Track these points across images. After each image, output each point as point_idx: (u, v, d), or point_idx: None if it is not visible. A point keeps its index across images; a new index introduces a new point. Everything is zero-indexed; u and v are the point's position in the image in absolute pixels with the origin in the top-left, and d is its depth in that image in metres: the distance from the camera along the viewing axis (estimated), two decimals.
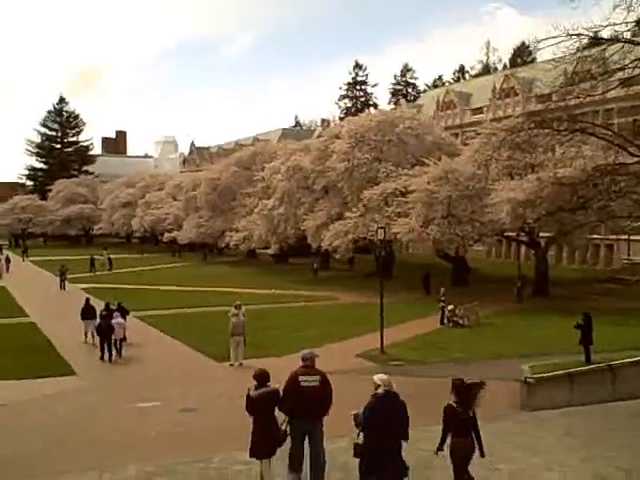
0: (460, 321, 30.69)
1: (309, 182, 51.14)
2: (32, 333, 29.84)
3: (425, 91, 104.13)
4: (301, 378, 10.63)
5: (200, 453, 13.39)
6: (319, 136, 68.17)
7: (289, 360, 23.43)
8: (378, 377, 9.77)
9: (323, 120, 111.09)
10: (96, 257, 60.64)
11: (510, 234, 44.45)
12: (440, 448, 10.27)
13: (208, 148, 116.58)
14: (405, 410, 9.74)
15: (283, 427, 10.68)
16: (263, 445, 10.54)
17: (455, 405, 10.22)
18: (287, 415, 10.73)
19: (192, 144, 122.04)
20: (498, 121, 47.50)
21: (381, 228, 26.69)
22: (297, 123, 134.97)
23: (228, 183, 68.90)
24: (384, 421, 9.47)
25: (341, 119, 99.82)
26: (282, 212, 52.28)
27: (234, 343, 23.13)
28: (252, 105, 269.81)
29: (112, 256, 63.09)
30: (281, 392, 10.74)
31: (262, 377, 10.71)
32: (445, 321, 30.98)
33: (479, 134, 44.33)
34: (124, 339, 25.95)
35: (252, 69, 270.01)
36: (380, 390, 9.57)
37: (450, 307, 31.11)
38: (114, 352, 24.91)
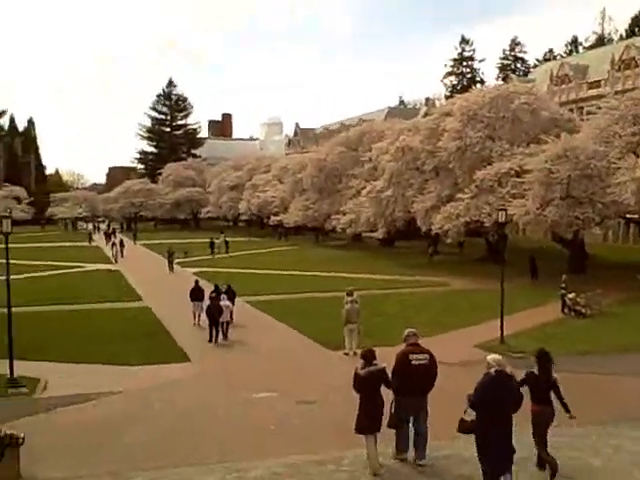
0: (582, 310, 28.97)
1: (418, 163, 49.73)
2: (146, 317, 30.16)
3: (536, 66, 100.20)
4: (411, 357, 11.17)
5: (323, 450, 12.79)
6: (426, 115, 66.57)
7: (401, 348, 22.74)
8: (491, 357, 10.03)
9: (427, 99, 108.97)
10: (215, 240, 61.89)
11: (633, 216, 41.87)
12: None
13: (313, 129, 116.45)
14: (517, 392, 9.92)
15: (392, 410, 11.06)
16: (369, 421, 10.93)
17: (537, 373, 10.93)
18: (395, 393, 11.15)
19: (297, 125, 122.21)
20: (620, 94, 44.77)
21: (501, 210, 25.35)
22: (401, 102, 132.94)
23: (334, 164, 68.08)
24: (495, 401, 9.55)
25: (447, 97, 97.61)
26: (390, 194, 51.05)
27: (348, 331, 22.45)
28: (355, 85, 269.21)
29: (217, 240, 63.56)
30: (388, 371, 11.18)
31: (369, 356, 11.20)
32: (566, 310, 29.34)
33: (599, 108, 41.87)
34: (231, 321, 26.08)
35: (355, 48, 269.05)
36: (492, 370, 9.74)
37: (571, 295, 29.40)
38: (220, 334, 25.08)
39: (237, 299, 29.64)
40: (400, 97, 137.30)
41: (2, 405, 14.75)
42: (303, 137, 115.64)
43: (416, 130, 52.92)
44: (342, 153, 68.26)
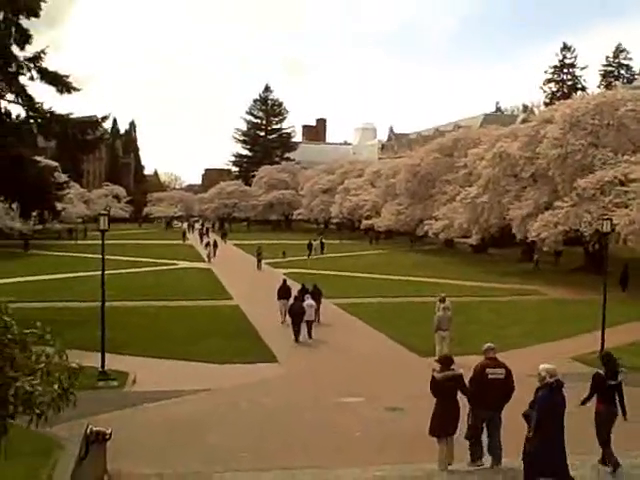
0: None
1: (516, 169, 48.41)
2: (236, 315, 30.32)
3: None
4: (488, 370, 11.28)
5: (411, 461, 12.30)
6: (524, 121, 64.75)
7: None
8: (543, 367, 10.25)
9: (525, 106, 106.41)
10: (312, 242, 62.88)
11: None
12: (583, 403, 11.45)
13: (407, 135, 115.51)
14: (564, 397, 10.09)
15: (468, 421, 11.32)
16: (443, 425, 11.16)
17: (603, 374, 11.36)
18: (470, 404, 11.34)
19: (391, 130, 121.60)
20: None
21: (606, 219, 24.22)
22: (498, 109, 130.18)
23: (428, 170, 67.23)
24: (557, 410, 9.81)
25: (546, 104, 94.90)
26: (486, 200, 49.89)
27: (439, 338, 21.79)
28: (451, 91, 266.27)
29: (314, 242, 63.94)
30: (465, 378, 11.45)
31: (446, 361, 11.62)
32: None
33: None
34: (315, 321, 26.20)
35: (453, 54, 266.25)
36: (551, 380, 9.95)
37: None
38: (303, 333, 25.21)
39: (327, 301, 29.44)
40: (497, 103, 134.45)
41: (92, 398, 14.86)
42: (397, 142, 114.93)
43: (514, 137, 51.58)
44: (436, 159, 67.40)
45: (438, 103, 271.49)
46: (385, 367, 21.30)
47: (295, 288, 29.44)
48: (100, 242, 20.04)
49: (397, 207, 71.84)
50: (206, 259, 56.34)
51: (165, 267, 51.38)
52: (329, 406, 16.75)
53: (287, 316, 26.83)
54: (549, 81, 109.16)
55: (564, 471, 10.01)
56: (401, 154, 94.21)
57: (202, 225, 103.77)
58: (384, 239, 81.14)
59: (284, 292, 28.76)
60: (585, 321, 26.68)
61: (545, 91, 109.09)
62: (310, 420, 15.66)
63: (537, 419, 9.82)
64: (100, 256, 20.23)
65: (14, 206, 33.37)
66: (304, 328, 25.42)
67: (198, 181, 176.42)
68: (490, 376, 11.24)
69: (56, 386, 5.85)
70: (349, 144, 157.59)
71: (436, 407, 11.34)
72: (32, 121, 29.92)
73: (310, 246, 62.04)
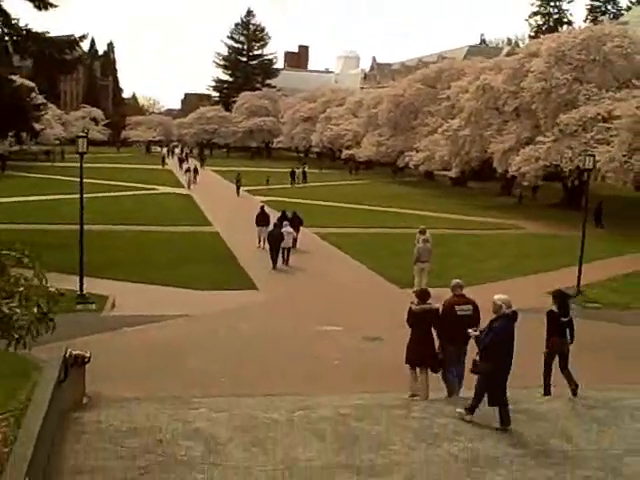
0: None
1: (499, 103, 48.02)
2: (215, 242, 30.35)
3: (629, 8, 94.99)
4: (457, 307, 11.64)
5: (389, 390, 12.44)
6: (508, 54, 63.99)
7: (473, 292, 21.90)
8: (498, 297, 10.42)
9: (510, 39, 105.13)
10: (295, 170, 62.89)
11: None
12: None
13: (390, 65, 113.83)
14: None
15: (439, 355, 11.69)
16: (419, 354, 11.64)
17: (556, 310, 12.04)
18: (440, 339, 11.76)
19: (374, 60, 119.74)
20: None
21: (588, 155, 24.14)
22: (482, 41, 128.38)
23: (411, 100, 66.37)
24: (510, 339, 10.16)
25: (531, 38, 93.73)
26: (468, 133, 49.60)
27: (418, 270, 21.88)
28: (435, 22, 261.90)
29: (297, 170, 63.79)
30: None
31: (423, 295, 12.03)
32: None
33: None
34: (293, 248, 26.62)
35: None
36: (505, 310, 10.21)
37: None
38: (280, 260, 25.47)
39: (307, 230, 29.42)
40: (481, 36, 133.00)
41: (70, 321, 14.81)
42: (379, 72, 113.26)
43: (498, 69, 51.01)
44: (419, 90, 66.53)
45: (422, 34, 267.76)
46: (364, 297, 21.43)
47: (274, 215, 29.58)
48: (78, 165, 19.71)
49: (378, 138, 71.08)
50: (186, 185, 55.74)
51: (144, 192, 50.88)
52: (308, 334, 16.85)
53: (265, 243, 26.96)
54: (535, 14, 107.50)
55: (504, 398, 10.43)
56: (384, 84, 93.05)
57: (182, 150, 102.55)
58: (364, 169, 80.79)
59: (262, 219, 29.05)
60: (563, 256, 26.88)
61: (531, 24, 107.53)
62: (289, 347, 15.75)
63: (490, 346, 10.17)
64: (78, 179, 19.92)
65: None
66: (281, 255, 25.66)
67: (178, 106, 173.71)
68: (458, 312, 11.59)
69: (35, 310, 5.73)
70: (331, 72, 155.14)
71: (411, 338, 11.78)
72: (7, 39, 29.01)
73: (293, 174, 62.02)
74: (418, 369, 11.82)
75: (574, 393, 12.01)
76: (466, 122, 50.25)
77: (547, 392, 12.18)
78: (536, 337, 12.32)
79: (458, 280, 12.21)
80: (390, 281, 23.33)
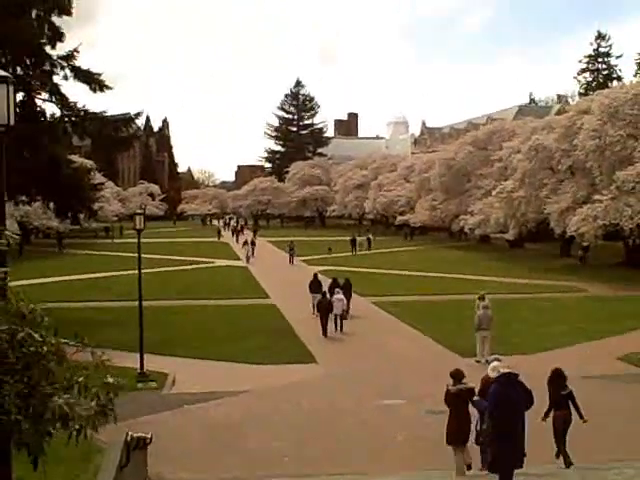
0: None
1: (552, 162, 47.55)
2: (272, 314, 30.23)
3: None
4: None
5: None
6: (559, 112, 63.71)
7: (539, 359, 21.40)
8: (495, 364, 11.10)
9: (559, 96, 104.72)
10: (357, 237, 63.03)
11: None
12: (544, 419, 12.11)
13: (440, 128, 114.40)
14: (527, 390, 10.31)
15: (477, 427, 11.64)
16: (457, 434, 11.62)
17: (555, 385, 12.18)
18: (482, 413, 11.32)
19: (423, 124, 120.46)
20: None
21: None
22: (532, 100, 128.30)
23: (463, 164, 66.42)
24: (508, 401, 9.97)
25: (581, 95, 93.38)
26: (522, 194, 49.11)
27: (480, 337, 21.37)
28: (483, 83, 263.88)
29: (358, 238, 63.90)
30: (476, 391, 11.73)
31: (458, 375, 12.05)
32: None
33: None
34: (345, 315, 26.80)
35: (485, 46, 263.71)
36: (498, 372, 10.43)
37: None
38: (332, 326, 25.79)
39: (363, 298, 29.18)
40: (530, 95, 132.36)
41: (131, 400, 14.72)
42: (429, 136, 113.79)
43: (550, 128, 50.67)
44: (471, 152, 66.50)
45: (470, 96, 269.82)
46: (425, 368, 20.89)
47: (326, 283, 29.94)
48: (136, 240, 19.98)
49: (431, 202, 71.14)
50: (244, 259, 54.42)
51: (201, 266, 51.41)
52: (370, 409, 16.46)
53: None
54: (584, 71, 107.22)
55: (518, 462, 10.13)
56: (434, 148, 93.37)
57: (237, 222, 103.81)
58: (419, 235, 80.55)
59: (315, 286, 29.50)
60: (629, 319, 26.09)
61: (580, 81, 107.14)
62: (351, 423, 15.37)
63: (488, 411, 10.36)
64: (136, 254, 20.16)
65: (50, 206, 33.62)
66: (333, 322, 26.02)
67: (231, 178, 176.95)
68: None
69: (94, 403, 5.60)
70: (381, 138, 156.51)
71: (450, 418, 11.88)
72: (66, 120, 29.95)
73: (354, 242, 61.70)
74: (459, 447, 11.78)
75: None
76: (520, 183, 49.85)
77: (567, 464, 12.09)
78: (616, 408, 11.63)
79: (498, 359, 12.42)
80: (451, 350, 22.74)
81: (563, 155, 46.18)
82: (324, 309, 25.94)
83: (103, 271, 45.48)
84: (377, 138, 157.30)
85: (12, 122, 8.16)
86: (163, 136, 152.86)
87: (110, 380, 5.71)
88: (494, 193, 53.87)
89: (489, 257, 56.21)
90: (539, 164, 48.45)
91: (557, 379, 12.49)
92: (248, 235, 68.73)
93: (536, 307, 31.50)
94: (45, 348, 5.50)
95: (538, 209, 48.23)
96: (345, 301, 27.36)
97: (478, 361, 20.90)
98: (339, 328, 26.21)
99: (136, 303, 20.14)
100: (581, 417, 12.14)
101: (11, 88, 8.16)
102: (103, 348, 6.32)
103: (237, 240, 70.26)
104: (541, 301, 33.47)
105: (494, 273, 43.26)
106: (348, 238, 62.66)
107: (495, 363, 11.21)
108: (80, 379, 5.62)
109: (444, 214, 69.07)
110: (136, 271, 20.31)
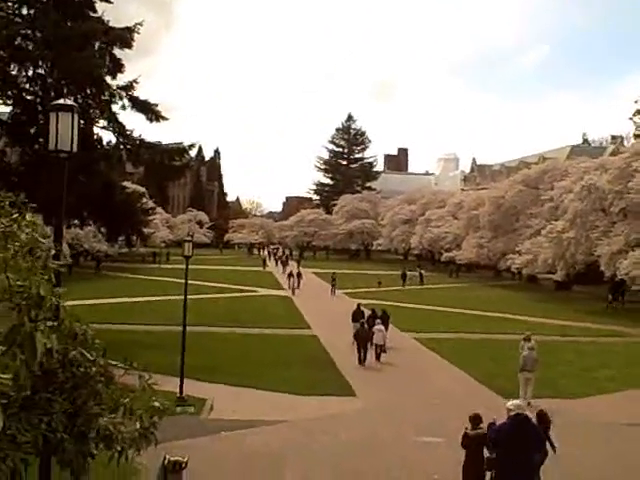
0: None
1: (605, 203, 47.02)
2: (313, 345, 30.32)
3: None
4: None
5: None
6: (613, 153, 62.98)
7: (585, 404, 21.07)
8: (511, 403, 11.39)
9: (614, 137, 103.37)
10: (408, 272, 64.21)
11: None
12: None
13: (490, 166, 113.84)
14: (538, 433, 10.96)
15: (485, 466, 11.62)
16: (474, 477, 11.81)
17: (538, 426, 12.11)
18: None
19: (473, 161, 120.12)
20: None
21: None
22: (585, 140, 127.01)
23: (513, 202, 66.02)
24: (514, 440, 10.40)
25: (636, 136, 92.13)
26: (572, 235, 48.49)
27: (523, 379, 21.01)
28: (535, 122, 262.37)
29: (408, 272, 64.75)
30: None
31: (476, 420, 12.30)
32: None
33: None
34: (383, 348, 27.22)
35: (537, 84, 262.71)
36: (511, 413, 10.83)
37: None
38: (369, 356, 26.59)
39: (405, 333, 29.35)
40: (583, 135, 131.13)
41: (169, 424, 14.84)
42: (480, 173, 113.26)
43: (603, 169, 50.13)
44: (521, 191, 66.12)
45: (522, 134, 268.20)
46: (466, 407, 20.39)
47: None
48: (183, 267, 20.30)
49: (479, 240, 70.62)
50: (289, 290, 54.16)
51: (245, 294, 51.76)
52: (407, 445, 16.34)
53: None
54: (639, 112, 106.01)
55: None
56: (484, 185, 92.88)
57: (283, 252, 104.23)
58: (465, 272, 79.91)
59: (357, 316, 30.57)
60: None
61: (635, 122, 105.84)
62: (387, 459, 15.24)
63: (493, 441, 10.85)
64: (182, 280, 20.46)
65: (102, 230, 34.42)
66: (371, 353, 26.75)
67: (279, 208, 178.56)
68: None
69: (137, 425, 5.73)
70: (431, 174, 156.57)
71: (466, 460, 12.09)
72: (122, 148, 30.70)
73: (404, 276, 62.76)
74: None
75: None
76: (571, 224, 49.27)
77: None
78: None
79: (516, 404, 11.96)
80: (494, 390, 22.36)
81: (616, 197, 45.63)
82: (362, 338, 26.77)
83: (149, 295, 46.13)
84: (427, 174, 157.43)
85: (75, 149, 8.47)
86: (214, 165, 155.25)
87: (156, 404, 5.84)
88: (543, 233, 53.32)
89: (535, 297, 55.41)
90: (591, 205, 47.94)
91: (544, 419, 12.64)
92: (293, 266, 68.83)
93: (582, 350, 30.78)
94: (94, 369, 5.67)
95: (588, 251, 47.56)
96: (385, 332, 27.93)
97: None
98: (378, 358, 26.87)
99: (179, 328, 20.40)
100: (553, 448, 12.17)
101: (75, 117, 8.48)
102: (146, 371, 6.46)
103: (284, 271, 70.28)
104: (587, 344, 32.69)
105: (539, 314, 42.39)
106: (394, 272, 62.80)
107: (515, 402, 11.44)
108: (126, 401, 5.77)
109: (491, 252, 68.51)
110: (180, 296, 20.61)
